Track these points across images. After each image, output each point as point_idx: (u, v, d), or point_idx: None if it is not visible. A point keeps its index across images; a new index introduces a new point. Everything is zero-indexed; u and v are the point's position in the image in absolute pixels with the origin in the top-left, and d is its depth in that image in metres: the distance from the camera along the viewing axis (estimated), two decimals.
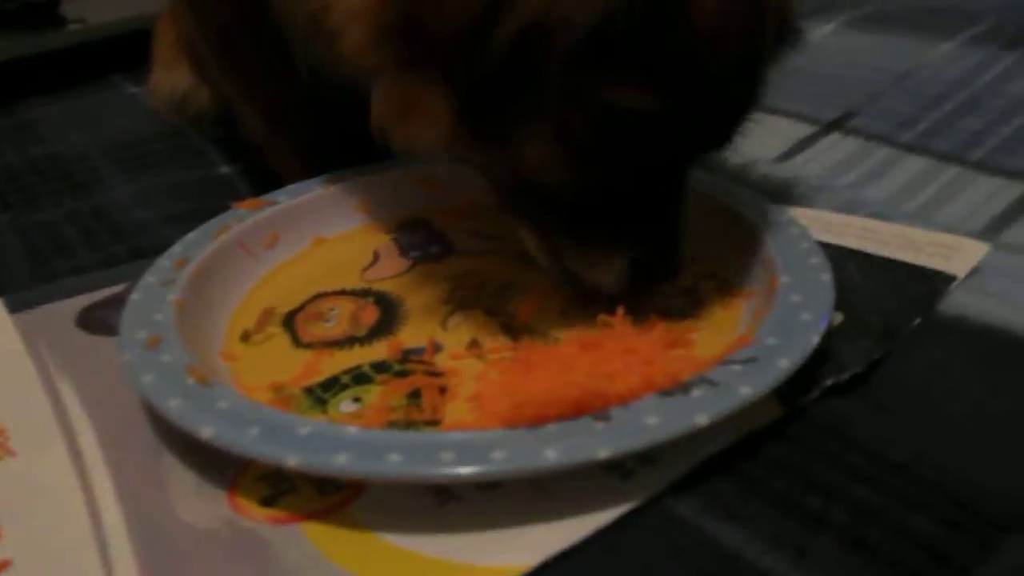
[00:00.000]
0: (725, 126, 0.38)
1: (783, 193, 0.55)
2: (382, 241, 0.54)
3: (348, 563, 0.31)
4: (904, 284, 0.43)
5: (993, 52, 0.73)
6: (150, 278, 0.46)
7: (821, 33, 0.84)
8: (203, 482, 0.35)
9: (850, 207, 0.52)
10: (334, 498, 0.34)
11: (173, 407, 0.35)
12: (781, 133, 0.64)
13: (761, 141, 0.58)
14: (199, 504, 0.34)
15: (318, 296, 0.49)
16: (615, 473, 0.34)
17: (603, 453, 0.31)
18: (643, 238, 0.39)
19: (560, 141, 0.37)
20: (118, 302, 0.46)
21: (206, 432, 0.33)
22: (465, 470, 0.30)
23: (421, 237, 0.55)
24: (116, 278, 0.52)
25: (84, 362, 0.44)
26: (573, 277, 0.41)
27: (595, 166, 0.37)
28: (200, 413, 0.34)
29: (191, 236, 0.50)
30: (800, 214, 0.50)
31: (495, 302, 0.46)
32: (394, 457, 0.31)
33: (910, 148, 0.60)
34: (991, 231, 0.49)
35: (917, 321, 0.41)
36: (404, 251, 0.53)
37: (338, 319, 0.47)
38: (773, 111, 0.65)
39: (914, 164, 0.58)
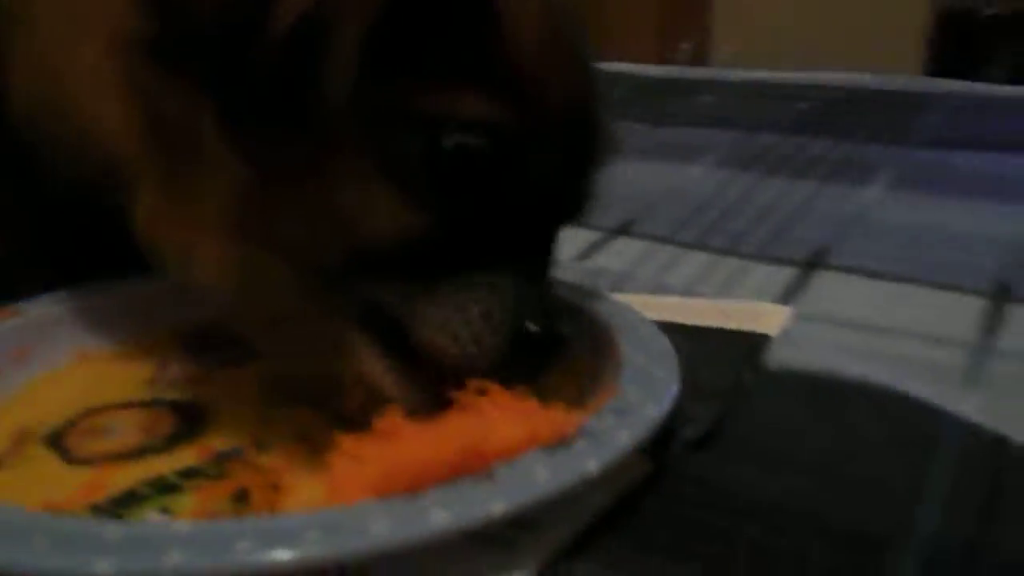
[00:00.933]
0: (576, 174, 0.35)
1: (591, 283, 0.56)
2: (166, 351, 0.47)
3: None
4: (727, 347, 0.45)
5: (733, 173, 0.82)
6: None
7: None
8: None
9: (657, 291, 0.54)
10: None
11: None
12: (571, 239, 0.66)
13: (567, 237, 0.60)
14: None
15: (91, 412, 0.40)
16: (495, 546, 0.29)
17: (498, 508, 0.27)
18: (520, 307, 0.33)
19: (385, 172, 0.31)
20: None
21: None
22: (346, 546, 0.25)
23: (215, 343, 0.48)
24: None
25: None
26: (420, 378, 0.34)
27: (441, 202, 0.31)
28: None
29: None
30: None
31: (320, 397, 0.41)
32: (244, 544, 0.25)
33: (691, 246, 0.64)
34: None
35: (748, 376, 0.42)
36: (197, 357, 0.46)
37: (124, 431, 0.39)
38: None
39: (697, 258, 0.62)
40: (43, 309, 0.46)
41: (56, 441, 0.37)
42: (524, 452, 0.30)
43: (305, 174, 0.32)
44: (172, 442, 0.37)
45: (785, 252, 0.61)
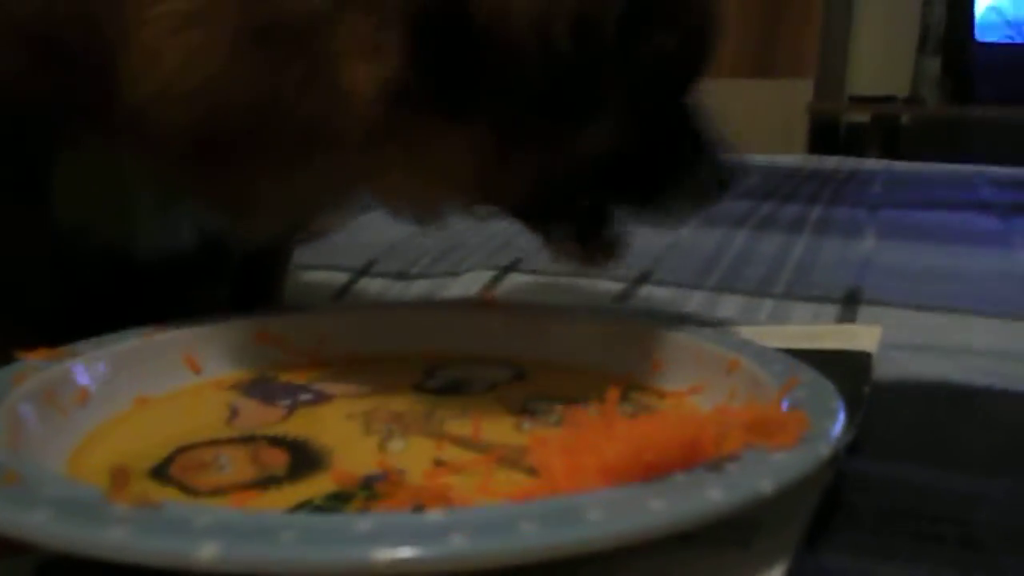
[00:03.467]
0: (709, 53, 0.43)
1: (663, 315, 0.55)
2: (229, 397, 0.43)
3: None
4: (831, 365, 0.44)
5: (725, 232, 0.84)
6: None
7: None
8: None
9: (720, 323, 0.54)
10: None
11: (117, 538, 0.21)
12: (592, 291, 0.66)
13: (595, 290, 0.60)
14: None
15: (183, 449, 0.36)
16: (733, 547, 0.27)
17: (768, 487, 0.25)
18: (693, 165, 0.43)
19: (622, 109, 0.38)
20: None
21: (207, 551, 0.20)
22: (621, 526, 0.22)
23: (280, 389, 0.44)
24: None
25: None
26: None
27: (649, 117, 0.40)
28: (178, 535, 0.21)
29: None
30: None
31: (429, 427, 0.38)
32: (527, 527, 0.22)
33: (721, 290, 0.65)
34: None
35: (867, 389, 0.41)
36: (268, 401, 0.42)
37: (234, 464, 0.34)
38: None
39: (733, 300, 0.63)
40: (97, 352, 0.41)
41: (163, 475, 0.33)
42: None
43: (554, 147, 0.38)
44: (296, 472, 0.34)
45: (817, 292, 0.63)
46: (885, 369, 0.45)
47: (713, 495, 0.24)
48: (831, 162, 1.38)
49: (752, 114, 2.90)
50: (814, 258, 0.73)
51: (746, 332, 0.50)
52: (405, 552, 0.20)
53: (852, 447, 0.36)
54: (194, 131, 0.38)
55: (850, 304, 0.60)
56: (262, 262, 0.58)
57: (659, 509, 0.23)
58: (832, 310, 0.59)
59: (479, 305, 0.52)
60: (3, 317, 0.47)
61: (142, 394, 0.41)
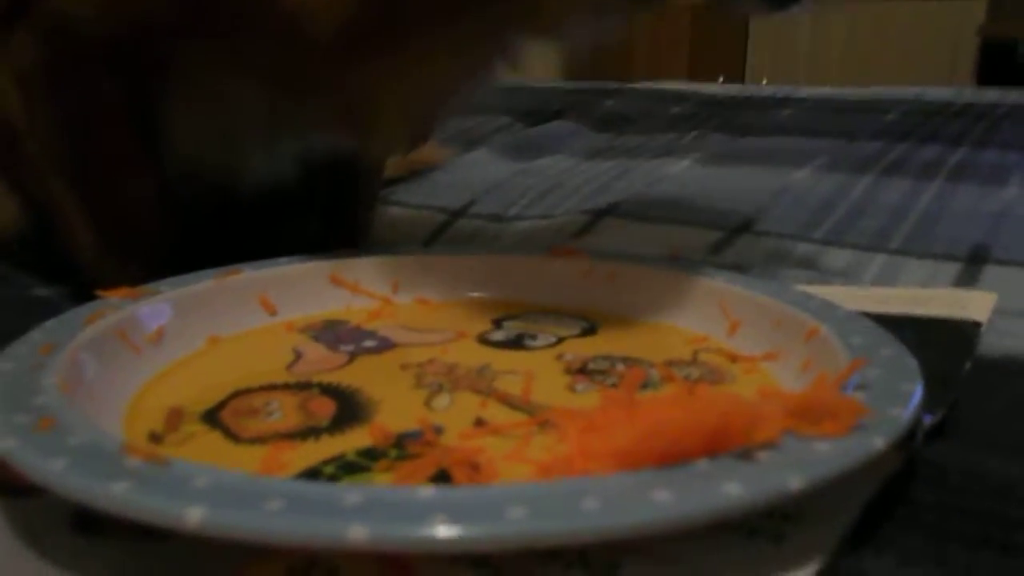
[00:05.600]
0: None
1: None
2: (297, 340, 0.43)
3: None
4: (933, 335, 0.40)
5: (850, 176, 0.78)
6: (6, 364, 0.32)
7: (679, 168, 0.87)
8: None
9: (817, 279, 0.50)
10: None
11: (117, 493, 0.22)
12: (690, 237, 0.63)
13: (690, 238, 0.57)
14: None
15: (239, 393, 0.37)
16: (760, 538, 0.25)
17: (796, 483, 0.22)
18: None
19: None
20: None
21: (193, 516, 0.20)
22: (618, 519, 0.21)
23: (346, 333, 0.44)
24: None
25: None
26: None
27: None
28: (172, 495, 0.21)
29: (51, 323, 0.37)
30: None
31: (479, 383, 0.37)
32: (516, 512, 0.20)
33: (828, 243, 0.60)
34: None
35: (968, 366, 0.37)
36: (332, 346, 0.43)
37: (283, 411, 0.35)
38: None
39: (840, 254, 0.58)
40: (177, 290, 0.43)
41: (213, 419, 0.34)
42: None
43: None
44: (339, 423, 0.34)
45: (938, 248, 0.57)
46: (997, 342, 0.40)
47: (729, 489, 0.22)
48: (990, 95, 1.25)
49: (912, 39, 2.67)
50: (942, 208, 0.67)
51: (842, 293, 0.46)
52: (383, 530, 0.20)
53: (936, 432, 0.33)
54: (341, 26, 0.39)
55: (974, 263, 0.54)
56: (350, 197, 0.59)
57: (663, 502, 0.21)
58: (952, 269, 0.53)
59: (556, 255, 0.50)
60: (116, 252, 0.49)
61: (214, 334, 0.43)
